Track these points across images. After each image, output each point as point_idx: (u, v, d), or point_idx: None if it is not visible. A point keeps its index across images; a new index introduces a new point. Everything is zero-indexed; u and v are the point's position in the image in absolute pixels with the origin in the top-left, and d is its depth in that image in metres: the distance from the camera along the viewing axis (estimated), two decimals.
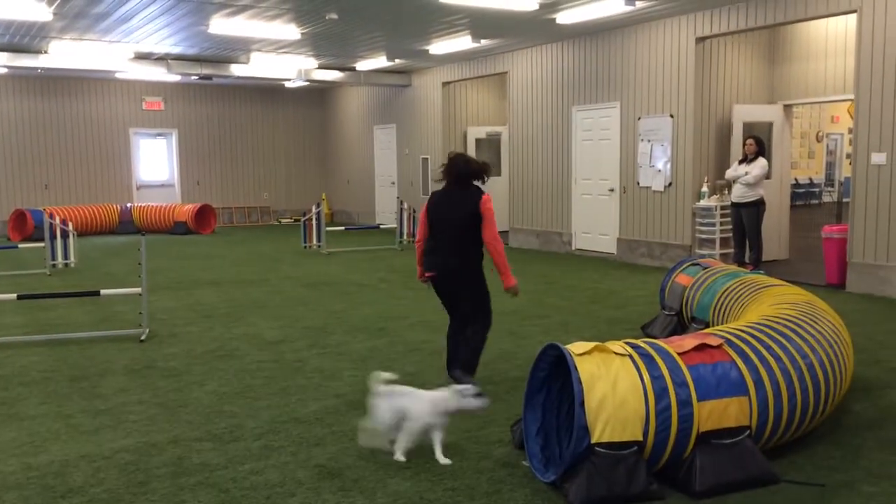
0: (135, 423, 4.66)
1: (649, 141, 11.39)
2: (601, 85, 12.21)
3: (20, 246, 11.97)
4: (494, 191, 16.15)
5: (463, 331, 5.25)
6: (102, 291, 7.37)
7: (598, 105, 12.34)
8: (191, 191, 19.66)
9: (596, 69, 12.29)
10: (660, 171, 11.26)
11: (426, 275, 5.24)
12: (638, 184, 11.63)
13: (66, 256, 11.74)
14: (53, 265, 11.38)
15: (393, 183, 18.29)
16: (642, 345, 3.77)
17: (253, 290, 9.62)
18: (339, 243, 14.24)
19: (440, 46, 13.36)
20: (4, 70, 15.35)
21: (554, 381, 3.92)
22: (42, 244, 11.35)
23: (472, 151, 16.53)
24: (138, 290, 6.98)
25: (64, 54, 13.58)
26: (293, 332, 7.18)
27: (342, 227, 15.32)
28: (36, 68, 14.50)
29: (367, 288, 9.70)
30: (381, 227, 15.67)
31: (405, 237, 14.35)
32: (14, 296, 7.01)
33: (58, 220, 11.71)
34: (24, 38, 12.49)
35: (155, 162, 19.64)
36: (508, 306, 8.34)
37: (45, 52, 13.58)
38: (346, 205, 20.49)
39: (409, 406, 4.01)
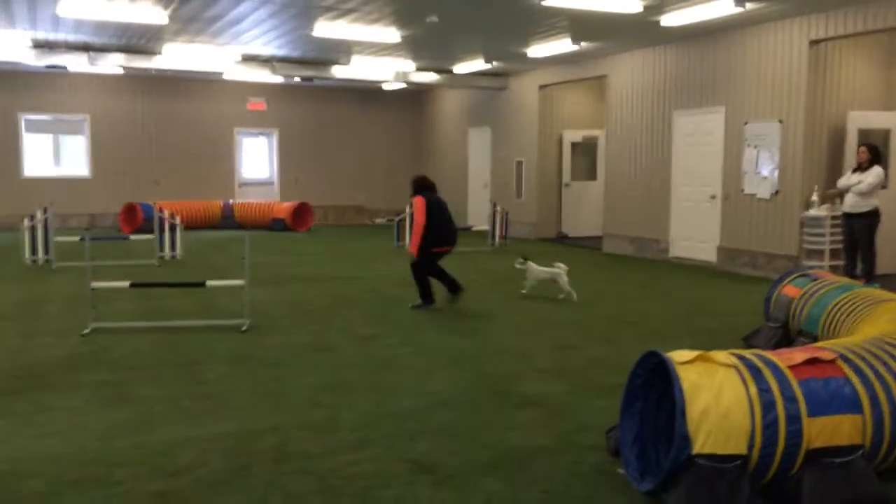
0: (237, 409, 4.83)
1: (756, 147, 10.99)
2: (705, 89, 11.86)
3: (131, 237, 12.60)
4: (588, 195, 16.12)
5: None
6: (208, 283, 7.66)
7: (701, 109, 12.00)
8: (289, 189, 20.24)
9: (700, 72, 11.95)
10: (766, 178, 10.84)
11: (441, 250, 8.20)
12: (742, 191, 11.23)
13: (173, 248, 12.29)
14: (161, 256, 11.94)
15: (486, 185, 18.31)
16: (749, 356, 3.64)
17: (347, 286, 9.81)
18: None
19: (539, 49, 13.29)
20: (121, 71, 16.23)
21: (652, 389, 3.83)
22: (151, 236, 11.93)
23: (567, 155, 16.38)
24: (241, 282, 7.23)
25: (176, 56, 14.23)
26: (386, 329, 7.28)
27: None
28: (150, 69, 15.24)
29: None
30: (473, 228, 15.70)
31: (497, 239, 14.33)
32: (127, 283, 7.38)
33: (166, 214, 12.27)
34: (140, 40, 13.16)
35: (256, 160, 20.33)
36: (601, 311, 8.22)
37: (159, 54, 14.27)
38: None
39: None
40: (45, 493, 3.55)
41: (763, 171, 10.89)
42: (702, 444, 3.29)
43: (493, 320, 7.72)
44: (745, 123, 11.13)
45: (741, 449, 3.32)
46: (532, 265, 9.06)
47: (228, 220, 18.15)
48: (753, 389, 3.41)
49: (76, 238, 11.39)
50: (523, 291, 9.09)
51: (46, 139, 18.26)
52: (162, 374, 5.60)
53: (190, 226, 17.04)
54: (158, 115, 18.82)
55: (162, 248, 12.06)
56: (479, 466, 3.91)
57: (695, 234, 12.22)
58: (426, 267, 8.23)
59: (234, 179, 19.88)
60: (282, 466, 3.89)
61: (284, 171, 20.31)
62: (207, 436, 4.32)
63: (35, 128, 17.97)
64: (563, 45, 12.69)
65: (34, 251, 11.46)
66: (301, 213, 17.98)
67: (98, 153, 18.33)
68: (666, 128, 12.66)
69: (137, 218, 16.39)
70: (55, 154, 18.42)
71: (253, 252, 7.82)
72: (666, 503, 3.38)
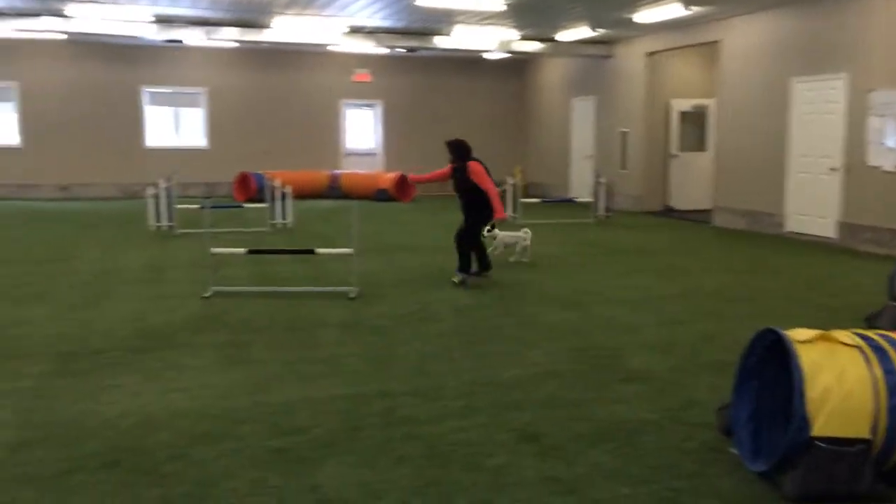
0: (347, 373, 5.01)
1: (882, 116, 10.32)
2: (827, 55, 11.21)
3: (245, 206, 13.15)
4: (696, 166, 15.60)
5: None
6: (317, 250, 7.92)
7: (821, 76, 11.35)
8: (393, 159, 20.52)
9: (822, 37, 11.29)
10: (893, 149, 10.19)
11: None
12: (866, 163, 10.61)
13: (283, 217, 12.74)
14: (273, 224, 12.40)
15: (589, 156, 18.00)
16: (873, 336, 3.47)
17: (451, 257, 9.89)
18: (532, 215, 14.28)
19: (647, 14, 12.88)
20: (235, 44, 16.81)
21: (767, 367, 3.72)
22: (264, 205, 12.39)
23: (674, 125, 15.88)
24: (350, 250, 7.43)
25: (285, 29, 14.61)
26: (489, 299, 7.34)
27: (537, 200, 15.33)
28: (261, 42, 15.71)
29: (561, 260, 9.67)
30: (576, 200, 15.50)
31: (601, 211, 14.11)
32: (244, 250, 7.73)
33: (278, 183, 12.71)
34: (252, 13, 13.58)
35: (361, 131, 20.69)
36: (710, 286, 8.00)
37: (270, 27, 14.68)
38: (540, 177, 20.46)
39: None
40: (175, 445, 3.80)
41: (889, 141, 10.23)
42: (822, 426, 3.18)
43: (597, 293, 7.64)
44: (871, 91, 10.47)
45: (863, 432, 3.19)
46: (498, 232, 9.25)
47: (335, 189, 18.60)
48: (878, 371, 3.26)
49: (195, 206, 12.00)
50: (493, 251, 9.12)
51: (167, 111, 19.17)
52: (277, 338, 5.86)
53: (298, 195, 17.61)
54: (268, 87, 19.41)
55: (273, 217, 12.52)
56: (584, 438, 3.92)
57: (812, 208, 11.65)
58: (475, 237, 8.08)
59: (340, 150, 20.33)
60: (391, 430, 4.02)
61: (388, 141, 20.59)
62: (321, 398, 4.50)
63: (157, 101, 18.89)
64: (673, 9, 12.25)
65: (158, 218, 12.12)
66: (405, 183, 18.23)
67: (214, 125, 19.12)
68: (782, 96, 12.06)
69: (250, 187, 17.04)
70: (175, 125, 19.32)
71: (359, 221, 8.02)
72: (781, 485, 3.29)
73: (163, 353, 5.42)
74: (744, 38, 12.88)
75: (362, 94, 20.28)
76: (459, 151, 7.89)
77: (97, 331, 6.01)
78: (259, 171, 17.12)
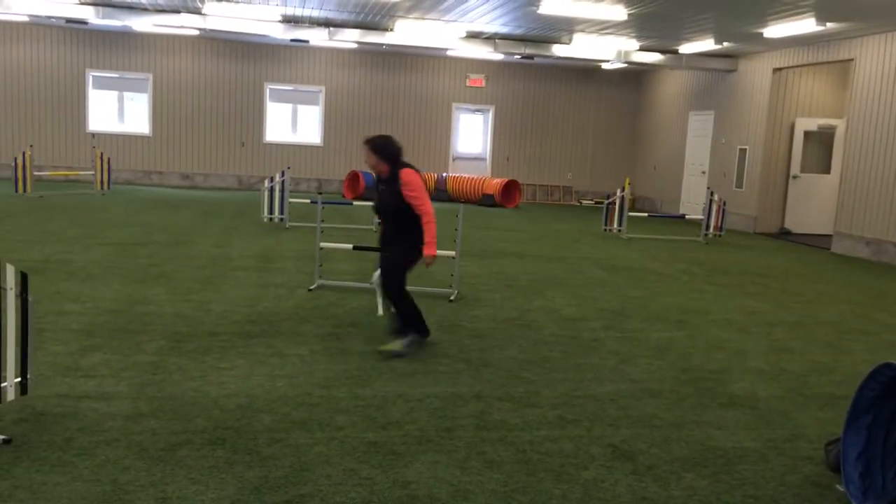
0: (443, 373, 5.06)
1: None
2: None
3: (354, 203, 13.48)
4: (819, 189, 14.87)
5: None
6: None
7: None
8: (500, 165, 20.57)
9: None
10: None
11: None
12: None
13: None
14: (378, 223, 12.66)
15: (703, 172, 17.46)
16: None
17: (552, 266, 9.84)
18: (639, 230, 14.01)
19: (777, 29, 12.38)
20: (355, 45, 17.28)
21: (884, 404, 3.51)
22: (371, 203, 12.65)
23: (798, 145, 15.19)
24: (452, 253, 7.50)
25: (406, 32, 14.90)
26: (590, 311, 7.24)
27: (645, 214, 15.01)
28: (381, 45, 16.08)
29: (667, 278, 9.43)
30: (686, 217, 15.08)
31: (712, 230, 13.67)
32: (350, 246, 7.94)
33: None
34: (375, 16, 13.92)
35: (470, 135, 20.84)
36: (826, 315, 7.61)
37: (391, 30, 15.01)
38: (650, 191, 20.01)
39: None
40: (275, 429, 3.95)
41: None
42: None
43: (703, 314, 7.41)
44: None
45: None
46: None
47: (441, 192, 18.81)
48: None
49: (307, 200, 12.41)
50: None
51: (286, 108, 19.90)
52: (376, 334, 5.98)
53: None
54: (383, 88, 19.84)
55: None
56: (681, 461, 3.82)
57: None
58: (402, 275, 5.48)
59: (449, 153, 20.53)
60: (483, 433, 4.03)
61: (496, 147, 20.65)
62: (416, 395, 4.57)
63: (277, 98, 19.65)
64: (805, 24, 11.73)
65: (271, 210, 12.61)
66: (510, 189, 18.23)
67: (329, 123, 19.72)
68: None
69: (360, 185, 17.46)
70: (293, 122, 20.04)
71: (463, 225, 8.07)
72: None
73: (269, 339, 5.64)
74: (881, 56, 12.18)
75: (475, 99, 20.43)
76: (387, 154, 5.44)
77: (211, 314, 6.32)
78: (369, 170, 17.49)
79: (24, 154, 14.63)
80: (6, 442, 3.55)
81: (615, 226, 13.82)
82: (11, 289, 3.67)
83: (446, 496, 3.31)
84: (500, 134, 20.62)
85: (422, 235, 5.38)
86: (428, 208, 5.37)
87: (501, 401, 4.57)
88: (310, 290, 7.45)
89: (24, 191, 14.42)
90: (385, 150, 5.44)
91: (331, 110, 19.70)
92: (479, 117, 20.77)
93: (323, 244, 7.78)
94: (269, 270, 8.47)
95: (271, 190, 12.60)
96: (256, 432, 3.89)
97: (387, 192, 5.45)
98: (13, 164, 14.58)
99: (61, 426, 3.81)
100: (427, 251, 5.37)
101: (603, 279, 9.01)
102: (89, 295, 6.67)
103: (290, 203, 12.43)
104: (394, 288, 5.41)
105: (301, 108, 19.96)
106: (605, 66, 18.41)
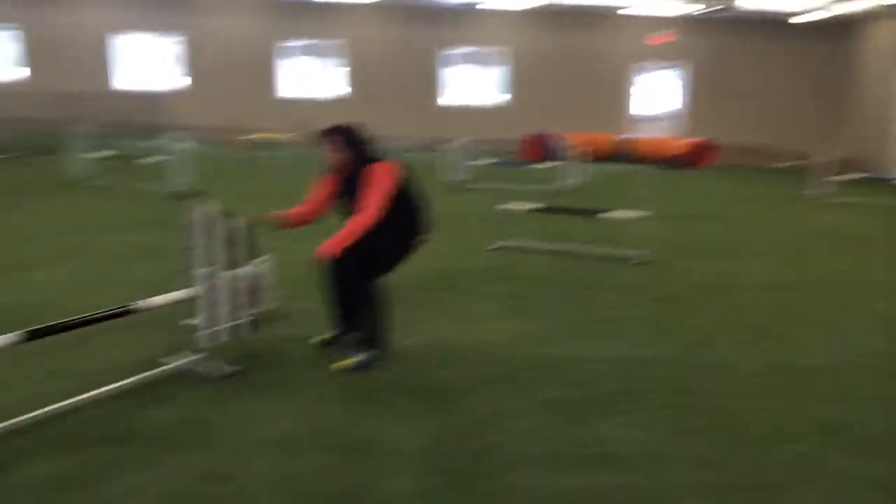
0: (628, 337, 4.90)
1: None
2: None
3: (535, 165, 13.41)
4: None
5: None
6: (605, 213, 7.80)
7: None
8: (688, 125, 19.60)
9: None
10: None
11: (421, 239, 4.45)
12: None
13: (571, 178, 12.76)
14: (562, 184, 12.49)
15: None
16: None
17: (748, 230, 9.26)
18: (847, 193, 12.82)
19: None
20: (534, 5, 17.01)
21: None
22: (552, 164, 12.52)
23: None
24: (642, 213, 7.23)
25: None
26: (792, 279, 6.73)
27: (853, 176, 13.70)
28: (562, 4, 15.72)
29: (879, 245, 8.57)
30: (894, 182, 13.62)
31: None
32: (530, 207, 7.86)
33: (566, 144, 12.75)
34: None
35: (654, 95, 19.99)
36: None
37: None
38: (858, 151, 18.24)
39: None
40: (461, 382, 4.01)
41: None
42: None
43: None
44: None
45: None
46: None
47: (622, 154, 18.22)
48: None
49: (487, 162, 12.48)
50: None
51: (467, 70, 20.06)
52: (560, 294, 5.91)
53: (587, 156, 17.55)
54: (563, 48, 19.48)
55: (562, 177, 12.61)
56: None
57: None
58: (373, 275, 4.29)
59: (628, 114, 19.85)
60: (672, 398, 3.87)
61: (687, 106, 19.68)
62: (601, 357, 4.46)
63: (456, 60, 19.86)
64: None
65: (452, 172, 12.81)
66: (701, 150, 17.31)
67: (510, 84, 19.69)
68: None
69: (540, 146, 17.31)
70: (474, 85, 20.19)
71: (649, 187, 7.76)
72: None
73: (453, 296, 5.74)
74: None
75: (659, 57, 19.54)
76: (354, 144, 4.18)
77: (403, 269, 6.51)
78: (549, 132, 17.30)
79: (233, 118, 15.85)
80: (234, 374, 3.91)
81: (818, 189, 12.74)
82: (241, 238, 3.95)
83: (637, 456, 3.21)
84: (692, 93, 19.62)
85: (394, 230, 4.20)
86: (378, 197, 4.04)
87: (692, 368, 4.36)
88: (490, 250, 7.50)
89: (236, 152, 15.64)
90: (348, 140, 4.19)
91: (517, 71, 19.63)
92: (662, 76, 19.86)
93: (502, 205, 7.77)
94: (451, 231, 8.57)
95: (452, 152, 12.78)
96: (447, 383, 3.98)
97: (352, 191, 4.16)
98: (225, 127, 15.85)
99: (282, 363, 4.15)
100: (330, 246, 3.99)
101: (805, 245, 8.36)
102: (305, 247, 7.09)
103: (470, 165, 12.55)
104: (356, 287, 4.29)
105: (483, 70, 20.03)
106: (800, 18, 16.89)
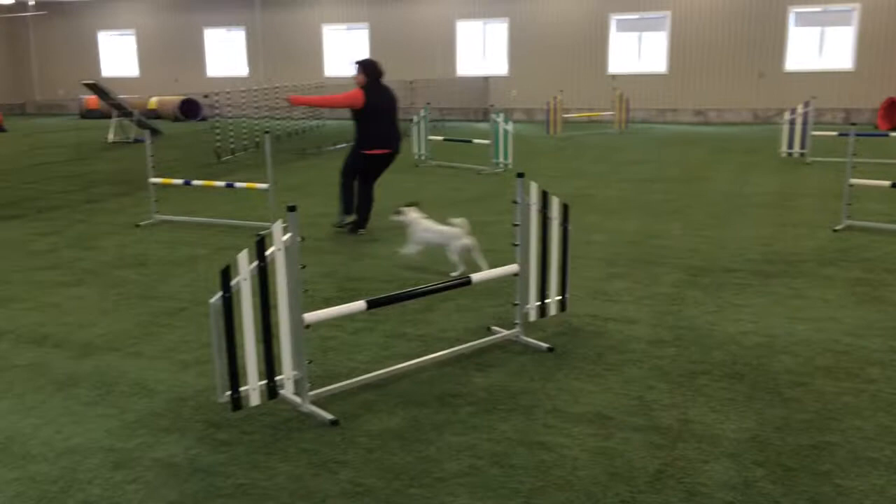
0: None
1: None
2: None
3: (890, 134, 11.76)
4: None
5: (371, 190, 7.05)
6: None
7: None
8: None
9: None
10: None
11: (380, 152, 6.81)
12: None
13: None
14: None
15: None
16: None
17: None
18: None
19: None
20: None
21: None
22: None
23: None
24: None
25: None
26: None
27: None
28: None
29: None
30: None
31: None
32: (888, 183, 6.93)
33: None
34: None
35: None
36: None
37: None
38: None
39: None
40: (797, 372, 3.71)
41: None
42: None
43: None
44: None
45: None
46: (413, 215, 5.81)
47: None
48: None
49: (832, 133, 11.25)
50: (399, 251, 5.90)
51: (811, 32, 18.17)
52: None
53: None
54: None
55: None
56: None
57: None
58: (356, 171, 6.96)
59: None
60: None
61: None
62: None
63: (801, 21, 18.04)
64: None
65: (790, 144, 11.76)
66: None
67: (864, 44, 17.43)
68: None
69: None
70: (819, 48, 18.24)
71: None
72: None
73: (788, 280, 5.31)
74: None
75: None
76: (363, 72, 6.85)
77: (725, 250, 6.21)
78: None
79: (554, 98, 16.23)
80: (550, 350, 4.06)
81: None
82: (556, 218, 4.13)
83: None
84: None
85: (362, 138, 6.83)
86: (338, 97, 6.86)
87: None
88: (835, 230, 6.78)
89: (554, 132, 16.04)
90: (362, 68, 6.83)
91: (866, 30, 17.34)
92: None
93: (853, 181, 6.96)
94: (786, 208, 7.94)
95: (791, 123, 11.73)
96: (776, 372, 3.72)
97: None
98: (545, 108, 16.30)
99: (592, 342, 4.18)
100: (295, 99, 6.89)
101: None
102: (611, 227, 7.14)
103: (812, 136, 11.42)
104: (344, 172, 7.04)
105: (830, 30, 18.00)
106: None
